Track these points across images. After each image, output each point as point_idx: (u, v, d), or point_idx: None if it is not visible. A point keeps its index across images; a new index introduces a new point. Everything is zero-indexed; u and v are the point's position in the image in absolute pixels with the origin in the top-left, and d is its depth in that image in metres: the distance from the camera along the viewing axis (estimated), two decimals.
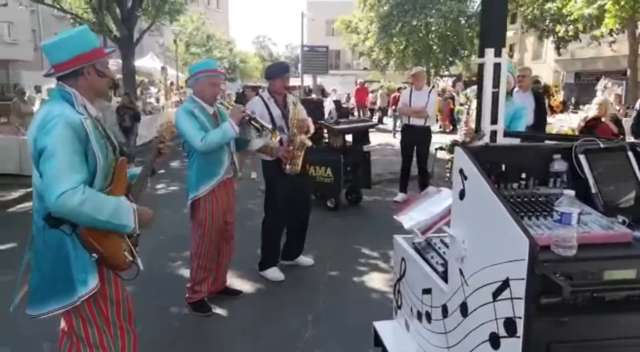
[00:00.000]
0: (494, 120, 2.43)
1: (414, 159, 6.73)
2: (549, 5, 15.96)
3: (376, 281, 4.20)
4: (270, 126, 3.70)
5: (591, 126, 5.13)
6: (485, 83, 2.40)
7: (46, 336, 3.13)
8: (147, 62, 18.09)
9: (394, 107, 17.72)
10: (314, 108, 6.35)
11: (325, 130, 6.26)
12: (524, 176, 1.95)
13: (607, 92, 12.70)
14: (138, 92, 15.06)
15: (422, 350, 2.42)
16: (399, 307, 2.78)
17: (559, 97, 19.37)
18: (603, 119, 5.24)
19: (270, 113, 3.98)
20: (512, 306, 1.56)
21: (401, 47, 23.74)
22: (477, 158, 1.85)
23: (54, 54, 1.99)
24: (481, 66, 2.43)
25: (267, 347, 3.16)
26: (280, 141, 3.94)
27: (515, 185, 1.96)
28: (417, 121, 6.50)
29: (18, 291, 2.08)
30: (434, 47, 23.77)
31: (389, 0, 23.90)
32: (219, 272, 3.71)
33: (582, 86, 23.88)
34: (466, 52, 25.09)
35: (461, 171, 1.91)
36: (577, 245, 1.53)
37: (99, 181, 1.98)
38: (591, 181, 1.91)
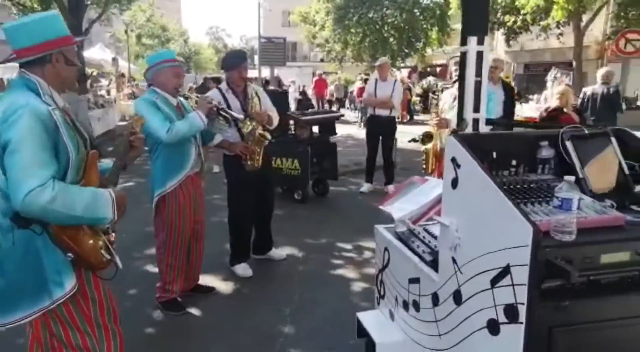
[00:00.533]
0: (476, 109, 2.44)
1: (379, 149, 6.78)
2: None
3: (350, 272, 4.18)
4: (241, 116, 3.58)
5: (553, 117, 5.21)
6: (467, 71, 2.39)
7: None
8: (96, 53, 17.31)
9: (360, 99, 17.95)
10: (278, 99, 6.23)
11: (291, 122, 6.18)
12: (514, 163, 1.96)
13: (557, 82, 13.20)
14: (87, 84, 14.39)
15: (409, 339, 2.42)
16: (382, 297, 2.77)
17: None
18: (565, 109, 5.27)
19: (228, 106, 3.76)
20: (513, 292, 1.56)
21: (358, 39, 23.83)
22: (470, 146, 1.85)
23: (17, 37, 1.83)
24: (463, 55, 2.43)
25: (248, 344, 3.08)
26: (242, 136, 3.81)
27: (505, 172, 1.97)
28: (382, 112, 6.53)
29: None
30: (390, 39, 23.99)
31: None
32: (190, 270, 3.58)
33: (530, 77, 24.74)
34: (420, 44, 25.48)
35: (454, 160, 1.90)
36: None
37: (71, 176, 1.85)
38: (578, 166, 1.94)
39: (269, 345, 3.07)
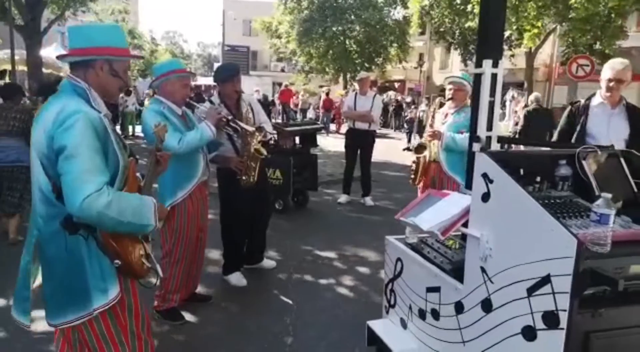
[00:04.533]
0: (489, 127, 2.59)
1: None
2: (468, 24, 17.06)
3: (342, 281, 4.25)
4: (252, 129, 3.59)
5: None
6: (482, 92, 2.53)
7: None
8: (52, 53, 16.64)
9: (323, 110, 18.46)
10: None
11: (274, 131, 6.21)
12: (538, 179, 2.11)
13: (514, 102, 13.90)
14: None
15: (424, 346, 2.51)
16: (392, 306, 2.86)
17: None
18: None
19: None
20: (554, 300, 1.68)
21: (321, 51, 24.17)
22: (500, 163, 1.98)
23: (75, 38, 1.89)
24: (478, 76, 2.58)
25: None
26: (237, 151, 3.80)
27: (530, 188, 2.11)
28: (361, 125, 6.68)
29: (22, 301, 1.88)
30: (353, 53, 24.48)
31: (310, 5, 24.24)
32: (189, 279, 3.54)
33: None
34: (381, 59, 26.13)
35: (485, 175, 2.02)
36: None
37: (117, 183, 1.84)
38: (594, 184, 2.12)
39: None
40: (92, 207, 1.64)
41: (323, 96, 19.70)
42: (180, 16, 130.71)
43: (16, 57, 12.90)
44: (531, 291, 1.78)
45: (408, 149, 4.19)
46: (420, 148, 4.20)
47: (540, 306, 1.74)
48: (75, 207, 1.65)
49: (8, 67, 12.90)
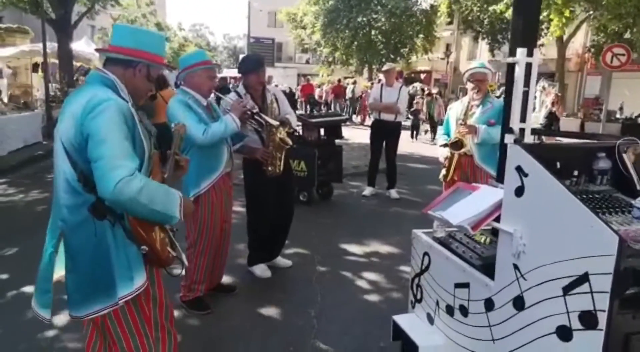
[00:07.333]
0: (523, 119, 2.49)
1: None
2: (493, 7, 16.64)
3: (366, 275, 4.21)
4: (276, 122, 3.56)
5: None
6: (516, 82, 2.44)
7: None
8: (82, 46, 16.97)
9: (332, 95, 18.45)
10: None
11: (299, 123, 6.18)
12: (575, 173, 2.02)
13: (544, 93, 13.54)
14: (75, 77, 14.12)
15: (452, 343, 2.45)
16: (418, 301, 2.80)
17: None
18: None
19: None
20: (592, 300, 1.60)
21: (346, 42, 23.99)
22: (535, 156, 1.90)
23: (122, 36, 1.93)
24: (510, 65, 2.48)
25: (280, 345, 3.07)
26: (262, 141, 3.79)
27: (567, 182, 2.02)
28: (387, 117, 6.59)
29: (43, 293, 1.89)
30: (378, 44, 24.21)
31: None
32: (215, 270, 3.56)
33: None
34: (406, 49, 25.77)
35: (519, 168, 1.94)
36: None
37: (144, 172, 1.84)
38: (635, 178, 2.01)
39: (301, 347, 3.06)
40: (125, 192, 1.65)
41: (352, 87, 19.61)
42: (206, 9, 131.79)
43: (48, 50, 13.16)
44: (567, 289, 1.70)
45: (445, 145, 4.02)
46: (457, 145, 4.03)
47: (577, 305, 1.66)
48: (108, 191, 1.65)
49: (40, 59, 13.16)
